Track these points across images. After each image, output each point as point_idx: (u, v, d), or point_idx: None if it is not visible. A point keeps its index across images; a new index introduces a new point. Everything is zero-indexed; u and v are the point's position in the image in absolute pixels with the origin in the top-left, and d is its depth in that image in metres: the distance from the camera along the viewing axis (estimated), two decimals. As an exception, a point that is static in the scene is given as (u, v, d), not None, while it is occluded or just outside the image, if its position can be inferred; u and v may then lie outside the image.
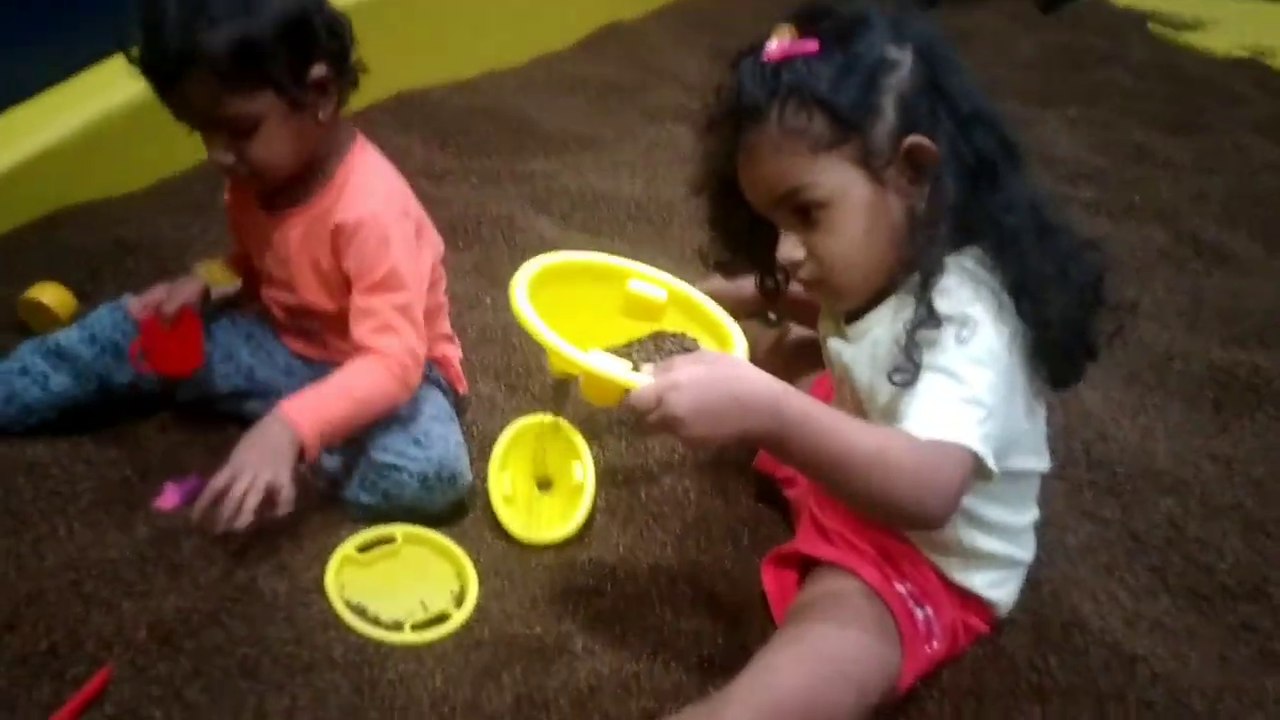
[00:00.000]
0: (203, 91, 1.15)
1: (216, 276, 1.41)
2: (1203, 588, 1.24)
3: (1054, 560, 1.24)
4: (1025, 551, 1.13)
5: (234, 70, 1.14)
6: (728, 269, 1.21)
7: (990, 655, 1.13)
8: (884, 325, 1.03)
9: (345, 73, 1.26)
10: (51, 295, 1.57)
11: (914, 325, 0.94)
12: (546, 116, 2.49)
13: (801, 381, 1.31)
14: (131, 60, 1.17)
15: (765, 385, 0.87)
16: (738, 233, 1.14)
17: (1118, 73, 3.12)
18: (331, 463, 1.30)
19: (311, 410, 1.20)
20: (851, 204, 0.98)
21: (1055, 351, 0.99)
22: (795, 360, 1.35)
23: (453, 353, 1.47)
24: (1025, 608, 1.16)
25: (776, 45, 0.98)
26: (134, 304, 1.33)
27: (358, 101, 2.32)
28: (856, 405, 1.09)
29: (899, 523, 1.00)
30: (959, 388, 0.92)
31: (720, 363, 0.90)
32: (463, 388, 1.48)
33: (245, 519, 1.12)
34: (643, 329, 1.08)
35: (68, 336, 1.36)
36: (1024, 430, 1.03)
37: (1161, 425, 1.53)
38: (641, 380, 0.88)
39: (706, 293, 1.32)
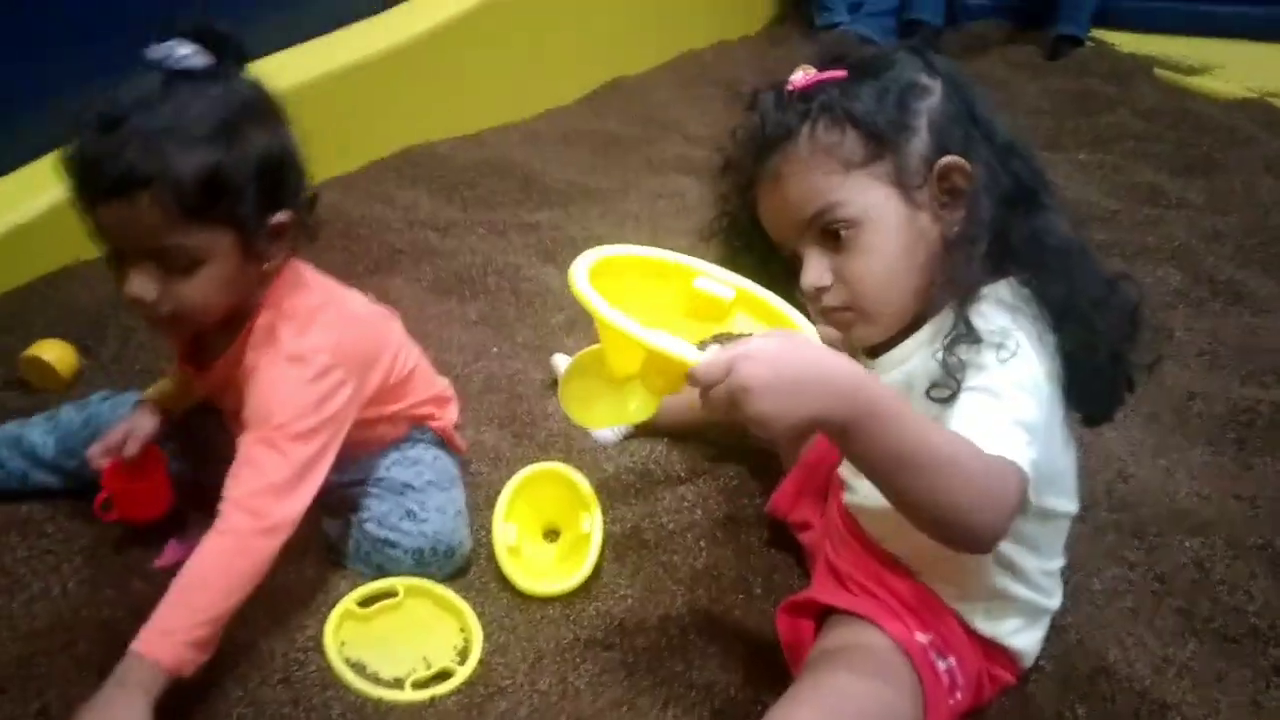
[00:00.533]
0: (153, 215, 1.02)
1: (171, 392, 1.32)
2: (1231, 630, 1.20)
3: (1079, 605, 1.20)
4: (1052, 599, 1.09)
5: (198, 198, 1.03)
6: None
7: (1017, 705, 1.08)
8: (920, 355, 0.98)
9: (305, 223, 1.16)
10: (53, 353, 1.56)
11: (953, 340, 0.92)
12: (552, 169, 2.50)
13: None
14: (68, 160, 1.04)
15: (848, 365, 0.80)
16: (748, 275, 1.10)
17: (1126, 117, 3.11)
18: (332, 530, 1.28)
19: (163, 634, 1.00)
20: (884, 224, 0.95)
21: (1097, 379, 0.96)
22: None
23: (447, 415, 1.40)
24: (1051, 655, 1.12)
25: (802, 76, 0.98)
26: (95, 452, 1.23)
27: (365, 157, 2.40)
28: None
29: (953, 535, 0.85)
30: (1004, 408, 0.87)
31: (797, 338, 0.83)
32: (461, 451, 1.42)
33: None
34: (707, 330, 0.97)
35: (44, 444, 1.31)
36: (1059, 469, 1.01)
37: (1184, 465, 1.49)
38: (701, 356, 0.80)
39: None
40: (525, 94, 2.87)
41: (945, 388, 0.91)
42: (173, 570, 1.12)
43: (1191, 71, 3.55)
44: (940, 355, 0.92)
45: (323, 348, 1.14)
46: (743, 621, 1.21)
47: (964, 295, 0.93)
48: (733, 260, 1.09)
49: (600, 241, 2.17)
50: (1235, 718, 1.08)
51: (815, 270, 0.98)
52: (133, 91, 1.03)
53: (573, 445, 1.50)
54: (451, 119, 2.62)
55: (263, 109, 1.10)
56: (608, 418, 1.35)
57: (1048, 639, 1.11)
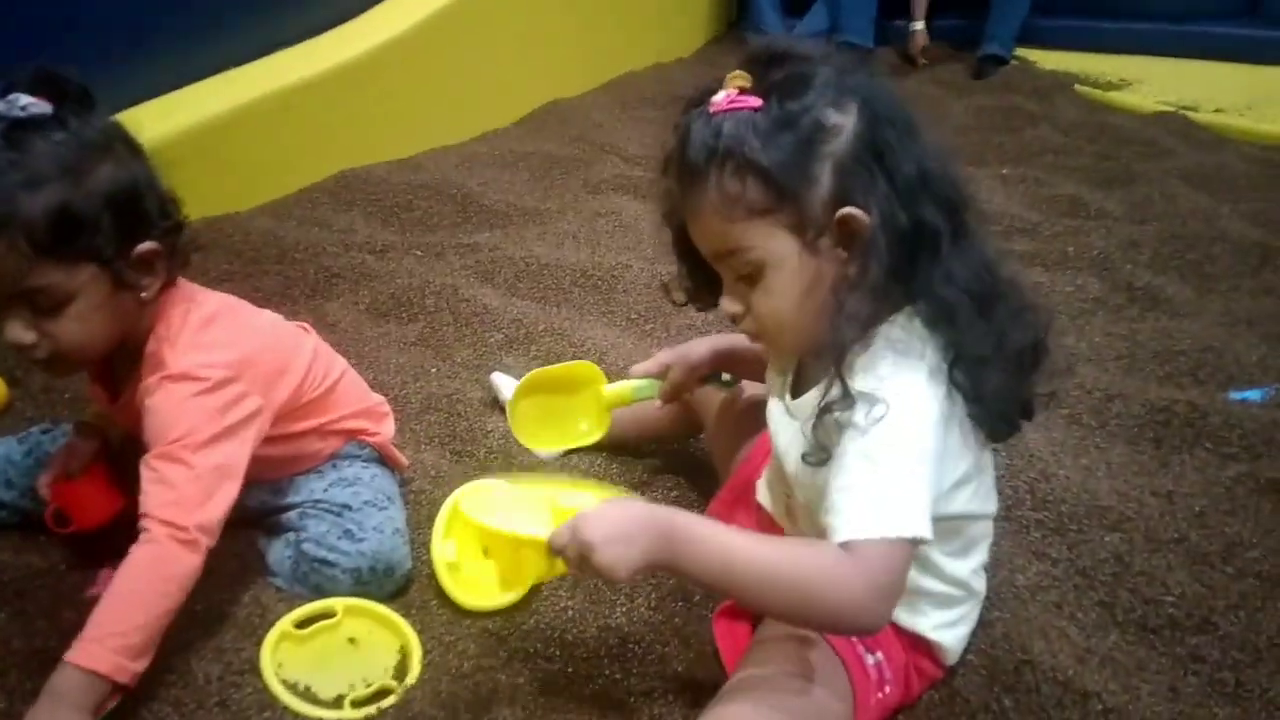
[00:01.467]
0: (9, 261, 1.02)
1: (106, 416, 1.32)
2: (1151, 621, 1.24)
3: (1004, 600, 1.24)
4: (972, 595, 1.12)
5: (52, 238, 1.03)
6: (692, 298, 1.18)
7: (945, 699, 1.11)
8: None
9: (174, 251, 1.15)
10: (-18, 383, 1.54)
11: (823, 405, 0.94)
12: (489, 191, 2.52)
13: (752, 440, 1.31)
14: None
15: (665, 514, 0.94)
16: (698, 263, 1.10)
17: (1048, 132, 3.22)
18: (270, 552, 1.28)
19: (94, 643, 1.00)
20: (785, 268, 0.97)
21: (987, 414, 0.99)
22: (744, 424, 1.35)
23: (384, 430, 1.41)
24: (978, 649, 1.15)
25: (724, 98, 0.96)
26: (44, 481, 1.25)
27: (301, 181, 2.40)
28: (782, 473, 1.09)
29: (825, 630, 1.00)
30: (877, 472, 0.91)
31: (618, 500, 0.99)
32: (401, 466, 1.43)
33: None
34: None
35: None
36: (964, 476, 1.02)
37: (1104, 464, 1.55)
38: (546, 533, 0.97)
39: (655, 367, 1.35)
40: (462, 117, 2.89)
41: (814, 455, 0.96)
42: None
43: (1111, 87, 3.68)
44: (809, 426, 0.96)
45: (214, 363, 1.15)
46: (682, 629, 1.23)
47: (836, 354, 0.94)
48: (686, 253, 1.11)
49: (539, 261, 2.22)
50: (1155, 704, 1.11)
51: (728, 299, 1.03)
52: None
53: (513, 461, 1.51)
54: (388, 143, 2.63)
55: (110, 146, 1.10)
56: (557, 440, 1.38)
57: (974, 634, 1.14)
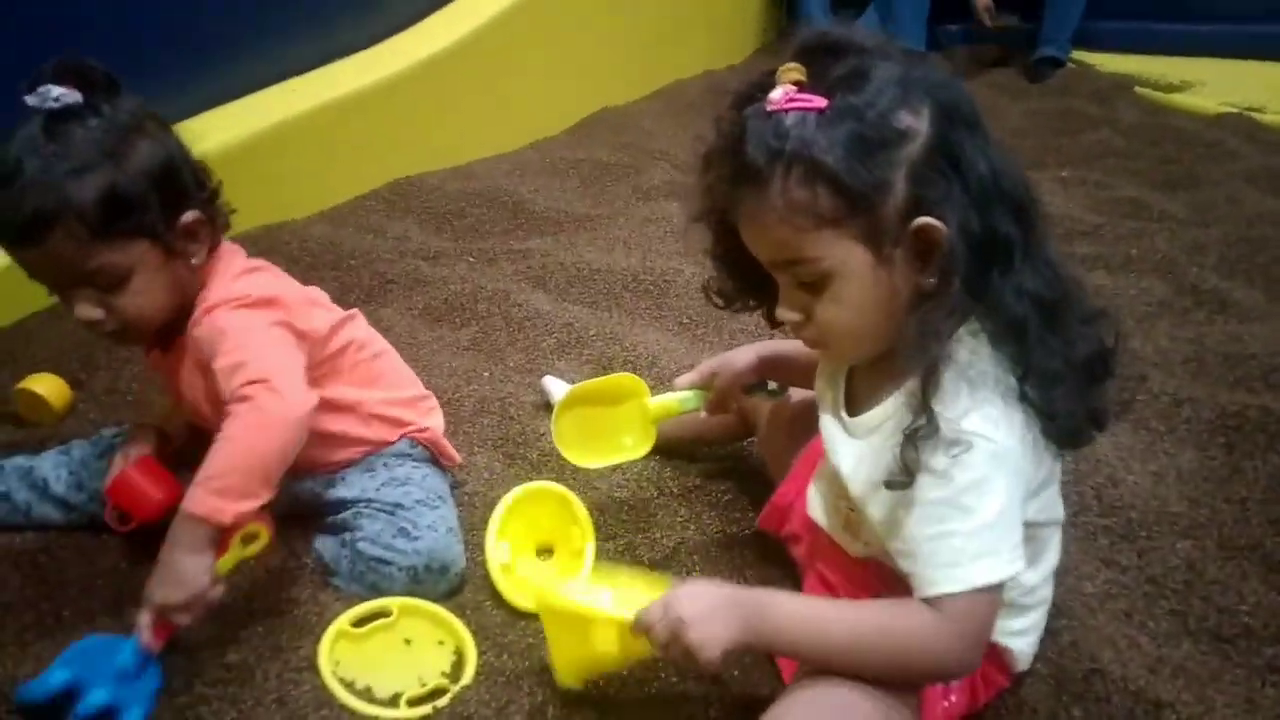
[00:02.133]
0: (71, 245, 1.09)
1: (168, 415, 1.36)
2: (1225, 630, 1.20)
3: (1072, 609, 1.20)
4: (1043, 601, 1.09)
5: (105, 220, 1.10)
6: (730, 299, 1.14)
7: (1012, 708, 1.08)
8: (889, 427, 0.97)
9: (215, 216, 1.23)
10: (46, 386, 1.57)
11: (909, 431, 0.91)
12: (540, 198, 2.52)
13: (806, 444, 1.29)
14: None
15: (750, 593, 0.97)
16: (740, 264, 1.06)
17: (1108, 135, 3.15)
18: (326, 550, 1.28)
19: (197, 487, 1.09)
20: (854, 279, 0.93)
21: (1060, 431, 0.95)
22: (796, 428, 1.32)
23: (434, 424, 1.42)
24: (1045, 658, 1.12)
25: (782, 95, 0.90)
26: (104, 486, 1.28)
27: (355, 188, 2.42)
28: (840, 488, 1.06)
29: (918, 683, 0.98)
30: (968, 521, 0.90)
31: (703, 580, 0.99)
32: (452, 461, 1.43)
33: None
34: None
35: (56, 476, 1.33)
36: (1044, 485, 1.00)
37: (1174, 470, 1.50)
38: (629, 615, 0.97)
39: (700, 378, 1.33)
40: (513, 125, 2.90)
41: (899, 481, 0.92)
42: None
43: (1171, 89, 3.60)
44: (898, 451, 0.92)
45: (249, 291, 1.21)
46: (738, 635, 1.21)
47: (929, 372, 0.90)
48: (726, 252, 1.07)
49: (590, 267, 2.22)
50: (1231, 715, 1.08)
51: (786, 306, 0.99)
52: (19, 141, 1.10)
53: (566, 464, 1.49)
54: (440, 151, 2.65)
55: (142, 125, 1.15)
56: (601, 455, 1.37)
57: (1042, 643, 1.11)
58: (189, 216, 1.18)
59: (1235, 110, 3.30)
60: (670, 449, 1.51)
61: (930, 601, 0.91)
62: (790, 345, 1.30)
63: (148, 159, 1.14)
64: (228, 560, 1.12)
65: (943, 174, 0.89)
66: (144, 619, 1.07)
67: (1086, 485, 1.42)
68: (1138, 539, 1.34)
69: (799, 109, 0.89)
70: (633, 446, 1.40)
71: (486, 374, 1.78)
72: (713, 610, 0.93)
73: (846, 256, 0.92)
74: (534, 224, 2.41)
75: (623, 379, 1.40)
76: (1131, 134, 3.16)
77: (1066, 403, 0.92)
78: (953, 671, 0.96)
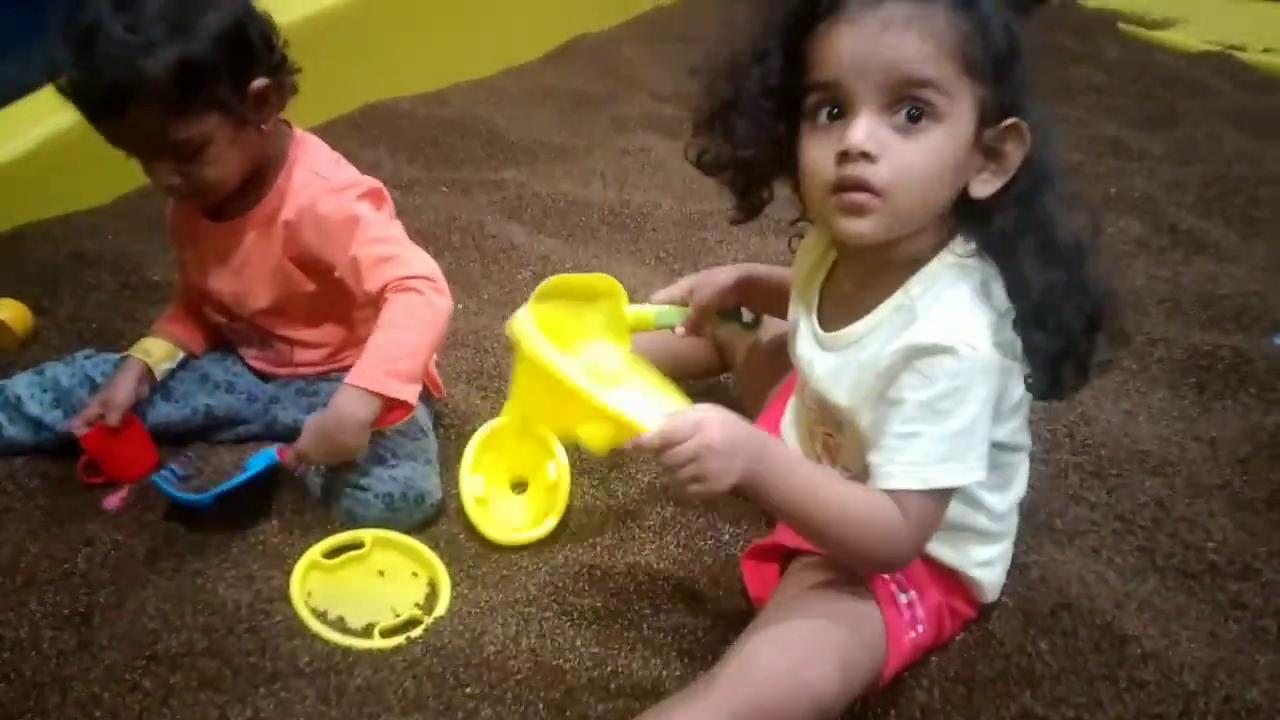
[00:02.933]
0: (148, 120, 1.12)
1: (158, 356, 1.35)
2: (1191, 567, 1.21)
3: (1041, 544, 1.21)
4: (1011, 531, 1.10)
5: (179, 95, 1.11)
6: (714, 170, 1.06)
7: (979, 641, 1.09)
8: (875, 345, 0.97)
9: (284, 80, 1.23)
10: (8, 312, 1.54)
11: (906, 347, 0.93)
12: (516, 127, 2.48)
13: (781, 380, 1.29)
14: (61, 90, 1.13)
15: (760, 434, 0.94)
16: (761, 120, 0.98)
17: (1090, 71, 3.12)
18: (306, 474, 1.27)
19: (369, 367, 1.17)
20: (954, 134, 0.89)
21: (1043, 373, 0.95)
22: (772, 364, 1.32)
23: None
24: (1013, 592, 1.13)
25: None
26: (76, 423, 1.27)
27: (325, 112, 2.36)
28: (819, 409, 1.06)
29: (860, 566, 1.01)
30: (944, 425, 0.91)
31: (724, 409, 0.93)
32: (439, 392, 1.45)
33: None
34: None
35: (30, 395, 1.31)
36: (1020, 406, 1.01)
37: (1145, 408, 1.51)
38: (652, 423, 0.90)
39: (680, 292, 1.30)
40: (489, 50, 2.84)
41: (894, 397, 0.94)
42: (118, 511, 1.25)
43: (1155, 25, 3.57)
44: (887, 360, 0.94)
45: (358, 179, 1.28)
46: (711, 567, 1.22)
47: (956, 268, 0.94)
48: (750, 103, 0.98)
49: (566, 199, 2.19)
50: (1195, 650, 1.09)
51: (867, 132, 0.89)
52: (91, 11, 1.09)
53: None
54: (412, 75, 2.59)
55: None
56: (571, 350, 1.32)
57: (1010, 576, 1.12)
58: (259, 83, 1.18)
59: (1217, 49, 3.27)
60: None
61: (892, 495, 0.93)
62: (771, 269, 1.30)
63: (216, 27, 1.13)
64: None
65: (1033, 84, 0.92)
66: (291, 462, 1.21)
67: (1059, 423, 1.43)
68: (1108, 476, 1.35)
69: None
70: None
71: (460, 306, 1.75)
72: (737, 445, 0.89)
73: (960, 109, 0.89)
74: (509, 154, 2.37)
75: (599, 278, 1.31)
76: (1113, 70, 3.13)
77: (1047, 342, 0.92)
78: (896, 564, 0.99)
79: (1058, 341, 0.93)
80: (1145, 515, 1.29)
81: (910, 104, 0.89)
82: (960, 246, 0.96)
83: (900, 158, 0.89)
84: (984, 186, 0.93)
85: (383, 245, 1.21)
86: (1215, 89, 2.95)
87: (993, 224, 0.93)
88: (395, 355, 1.18)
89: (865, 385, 0.98)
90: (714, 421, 0.89)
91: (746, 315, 1.33)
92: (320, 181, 1.24)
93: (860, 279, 1.01)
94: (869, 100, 0.89)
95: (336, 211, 1.22)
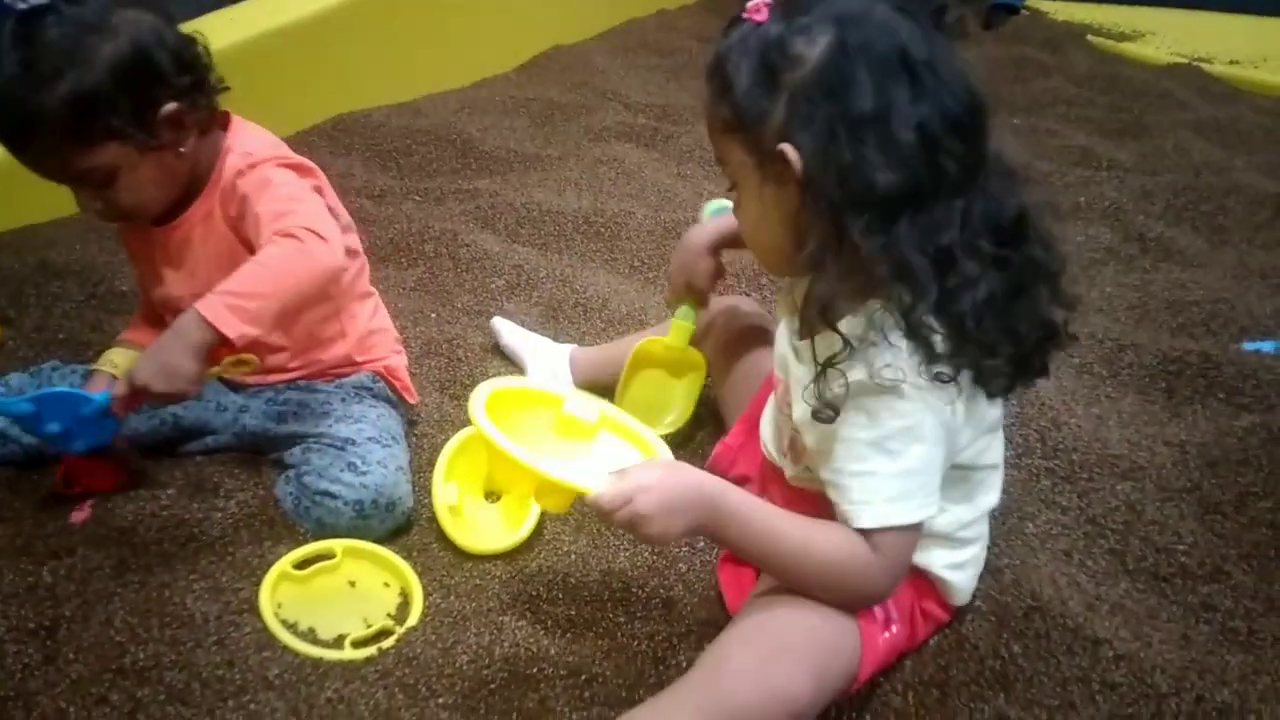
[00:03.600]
0: (50, 152, 1.13)
1: (121, 364, 1.32)
2: (1162, 569, 1.22)
3: (1013, 548, 1.22)
4: (981, 537, 1.10)
5: (76, 127, 1.11)
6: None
7: (953, 644, 1.09)
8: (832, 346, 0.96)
9: (200, 102, 1.21)
10: (-27, 322, 1.51)
11: (824, 361, 0.92)
12: (489, 137, 2.47)
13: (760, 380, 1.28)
14: None
15: (710, 484, 0.96)
16: None
17: (1059, 83, 3.16)
18: (275, 487, 1.26)
19: (216, 295, 1.11)
20: (749, 190, 0.98)
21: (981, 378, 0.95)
22: (751, 371, 1.35)
23: (399, 361, 1.44)
24: (986, 596, 1.14)
25: (752, 4, 0.95)
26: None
27: (297, 123, 2.35)
28: (788, 410, 1.06)
29: (831, 603, 0.99)
30: (895, 464, 0.92)
31: (671, 467, 0.99)
32: (413, 398, 1.44)
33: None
34: (575, 448, 1.11)
35: None
36: (982, 435, 1.01)
37: (1115, 413, 1.52)
38: (598, 485, 0.94)
39: (680, 291, 1.37)
40: (461, 62, 2.83)
41: (824, 413, 0.94)
42: (84, 526, 1.22)
43: (1124, 38, 3.61)
44: (813, 390, 0.94)
45: (287, 153, 1.27)
46: (686, 574, 1.22)
47: (818, 305, 0.91)
48: None
49: (540, 208, 2.18)
50: (1166, 651, 1.10)
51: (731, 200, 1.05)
52: None
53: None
54: (385, 86, 2.58)
55: (106, 23, 1.13)
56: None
57: (983, 580, 1.13)
58: (168, 109, 1.17)
59: (1185, 60, 3.32)
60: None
61: (861, 532, 0.94)
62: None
63: (113, 57, 1.12)
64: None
65: (816, 104, 0.89)
66: (120, 388, 1.14)
67: (1030, 428, 1.44)
68: (1079, 480, 1.36)
69: (749, 19, 0.95)
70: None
71: (434, 315, 1.75)
72: (675, 507, 0.94)
73: (740, 166, 0.96)
74: (482, 163, 2.36)
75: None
76: (1083, 82, 3.16)
77: (967, 358, 0.91)
78: (873, 599, 1.00)
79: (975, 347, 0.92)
80: (1116, 519, 1.30)
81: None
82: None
83: (740, 219, 1.04)
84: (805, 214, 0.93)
85: (280, 204, 1.18)
86: (1183, 100, 2.99)
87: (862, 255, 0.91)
88: (245, 292, 1.12)
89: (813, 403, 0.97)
90: (651, 490, 0.93)
91: (687, 311, 1.40)
92: (244, 159, 1.22)
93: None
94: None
95: (251, 180, 1.20)
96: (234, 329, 1.10)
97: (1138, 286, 1.90)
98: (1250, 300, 1.83)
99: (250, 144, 1.25)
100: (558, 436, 1.11)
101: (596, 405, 1.13)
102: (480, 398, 1.03)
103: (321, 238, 1.16)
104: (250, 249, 1.21)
